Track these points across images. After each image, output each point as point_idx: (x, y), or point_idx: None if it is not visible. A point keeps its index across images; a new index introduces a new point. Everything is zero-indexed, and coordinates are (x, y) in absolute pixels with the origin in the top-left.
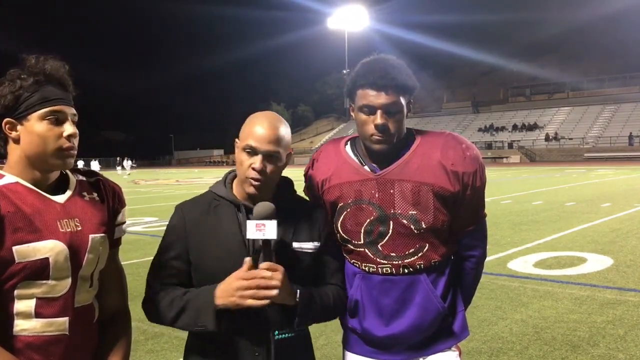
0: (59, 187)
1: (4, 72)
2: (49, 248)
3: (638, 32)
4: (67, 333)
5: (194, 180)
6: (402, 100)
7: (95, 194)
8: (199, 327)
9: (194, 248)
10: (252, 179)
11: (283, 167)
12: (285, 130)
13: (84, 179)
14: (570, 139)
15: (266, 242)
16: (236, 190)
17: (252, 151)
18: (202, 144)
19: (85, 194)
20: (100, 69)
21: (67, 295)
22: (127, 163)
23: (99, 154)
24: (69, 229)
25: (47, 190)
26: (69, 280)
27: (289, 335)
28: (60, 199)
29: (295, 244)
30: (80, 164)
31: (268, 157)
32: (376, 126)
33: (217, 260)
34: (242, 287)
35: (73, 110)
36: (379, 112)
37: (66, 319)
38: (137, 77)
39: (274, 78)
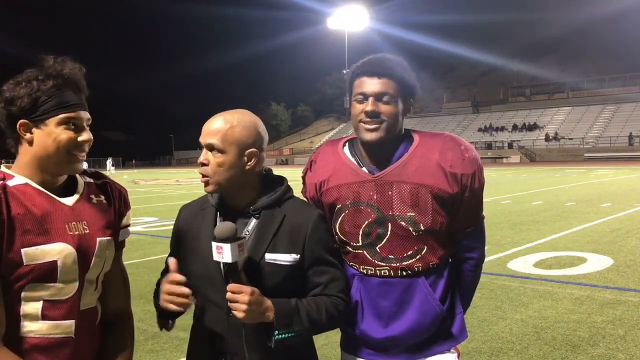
0: (67, 189)
1: (3, 70)
2: (58, 251)
3: (638, 32)
4: (73, 335)
5: (194, 180)
6: (397, 92)
7: (102, 197)
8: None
9: (181, 249)
10: (200, 173)
11: (235, 166)
12: (237, 126)
13: (92, 181)
14: (570, 139)
15: (228, 264)
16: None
17: (204, 149)
18: None
19: (93, 196)
20: (100, 69)
21: (73, 298)
22: (110, 161)
23: (99, 154)
24: (77, 232)
25: (55, 192)
26: (77, 284)
27: (290, 335)
28: (69, 201)
29: (268, 256)
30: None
31: (210, 149)
32: (366, 113)
33: (193, 264)
34: (164, 290)
35: (88, 115)
36: (370, 98)
37: (72, 321)
38: (137, 77)
39: (274, 78)
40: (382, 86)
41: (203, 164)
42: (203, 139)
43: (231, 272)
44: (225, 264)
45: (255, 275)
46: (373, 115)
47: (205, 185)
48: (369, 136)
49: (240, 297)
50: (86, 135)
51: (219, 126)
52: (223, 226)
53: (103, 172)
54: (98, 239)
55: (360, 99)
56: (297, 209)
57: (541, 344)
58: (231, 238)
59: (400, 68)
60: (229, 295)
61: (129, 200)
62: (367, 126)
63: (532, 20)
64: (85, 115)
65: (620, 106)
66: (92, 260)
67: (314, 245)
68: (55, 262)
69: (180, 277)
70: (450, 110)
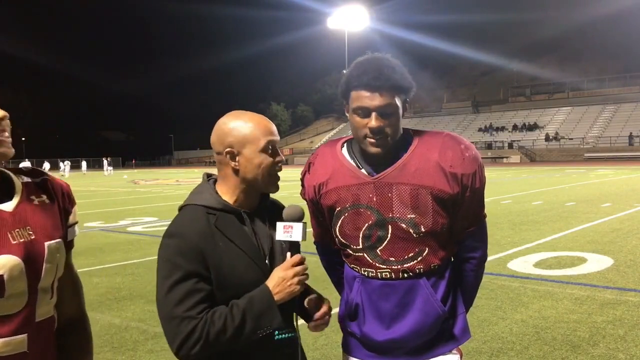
0: (4, 193)
1: (5, 71)
2: (2, 264)
3: (638, 32)
4: (26, 350)
5: (194, 180)
6: (397, 101)
7: (44, 196)
8: (261, 332)
9: (213, 267)
10: (279, 171)
11: None
12: None
13: (30, 180)
14: (570, 139)
15: (293, 243)
16: (228, 197)
17: (273, 148)
18: (202, 144)
19: (33, 197)
20: (100, 69)
21: (25, 310)
22: (106, 162)
23: (99, 154)
24: (22, 239)
25: None
26: (26, 295)
27: (289, 335)
28: (8, 206)
29: None
30: (67, 165)
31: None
32: (371, 129)
33: (240, 275)
34: (298, 273)
35: None
36: (373, 114)
37: (24, 336)
38: (137, 77)
39: (274, 78)
40: (383, 99)
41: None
42: (278, 138)
43: (293, 252)
44: (288, 242)
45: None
46: (379, 132)
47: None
48: (376, 150)
49: (305, 267)
50: None
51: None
52: (292, 208)
53: (101, 172)
54: (46, 244)
55: (361, 113)
56: (273, 201)
57: (541, 344)
58: (300, 219)
59: (397, 74)
60: (297, 259)
61: (73, 196)
62: (373, 141)
63: (532, 20)
64: None
65: (620, 106)
66: (44, 267)
67: None
68: (1, 277)
69: (301, 258)
70: (450, 110)
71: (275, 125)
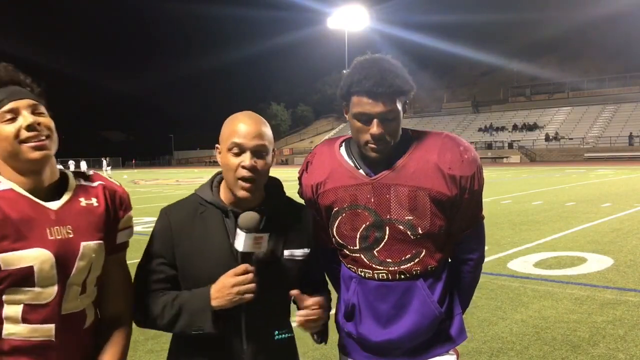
0: (58, 191)
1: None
2: (34, 257)
3: (638, 32)
4: (53, 339)
5: (194, 180)
6: (399, 106)
7: (94, 200)
8: (195, 330)
9: (180, 255)
10: (244, 178)
11: (271, 165)
12: (267, 126)
13: (85, 183)
14: (570, 139)
15: (243, 253)
16: (223, 194)
17: (239, 150)
18: (202, 144)
19: (82, 199)
20: (101, 68)
21: (53, 302)
22: (105, 162)
23: (99, 154)
24: (60, 237)
25: (44, 194)
26: (55, 288)
27: (289, 335)
28: (55, 205)
29: (286, 252)
30: (71, 164)
31: (256, 152)
32: (372, 135)
33: (206, 268)
34: (238, 283)
35: (28, 102)
36: (375, 120)
37: (52, 325)
38: (137, 77)
39: (274, 78)
40: (385, 106)
41: (253, 169)
42: (251, 142)
43: (247, 262)
44: (240, 252)
45: (278, 271)
46: (380, 138)
47: (249, 191)
48: (375, 155)
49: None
50: (24, 120)
51: (262, 128)
52: (248, 215)
53: (100, 173)
54: (82, 244)
55: (362, 119)
56: (294, 205)
57: (541, 344)
58: (252, 229)
59: (399, 78)
60: (241, 269)
61: (128, 201)
62: (374, 146)
63: (532, 20)
64: (22, 103)
65: (620, 106)
66: (75, 265)
67: (315, 240)
68: (31, 267)
69: (249, 266)
70: (450, 110)
71: (275, 126)
